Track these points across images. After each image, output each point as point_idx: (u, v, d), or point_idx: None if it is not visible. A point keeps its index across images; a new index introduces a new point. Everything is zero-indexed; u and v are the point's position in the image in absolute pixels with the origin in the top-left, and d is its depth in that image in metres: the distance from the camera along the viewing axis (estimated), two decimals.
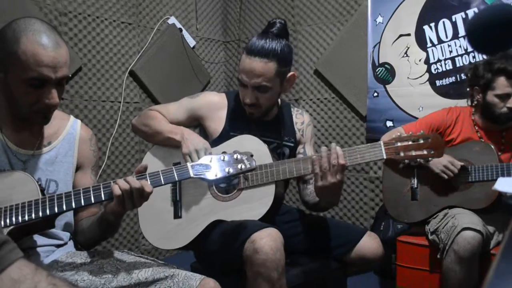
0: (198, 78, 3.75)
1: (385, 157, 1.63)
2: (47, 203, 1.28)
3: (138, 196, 1.33)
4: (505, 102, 2.17)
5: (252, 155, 1.45)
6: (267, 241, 1.54)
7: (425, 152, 1.59)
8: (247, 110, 1.89)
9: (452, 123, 2.33)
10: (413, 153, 1.60)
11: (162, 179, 1.38)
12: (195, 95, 1.99)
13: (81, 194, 1.32)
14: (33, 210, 1.27)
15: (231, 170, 1.43)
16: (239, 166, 1.44)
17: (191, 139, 1.80)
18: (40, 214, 1.27)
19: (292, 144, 1.99)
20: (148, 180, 1.36)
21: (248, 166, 1.44)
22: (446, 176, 2.18)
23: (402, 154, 1.61)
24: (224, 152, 1.45)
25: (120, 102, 3.22)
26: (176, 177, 1.39)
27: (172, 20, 3.57)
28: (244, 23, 3.96)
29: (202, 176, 1.41)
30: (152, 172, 1.38)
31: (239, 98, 1.96)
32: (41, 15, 2.76)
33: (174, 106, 1.98)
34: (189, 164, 1.41)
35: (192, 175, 1.40)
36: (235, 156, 1.44)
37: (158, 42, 3.43)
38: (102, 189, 1.33)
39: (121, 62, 3.23)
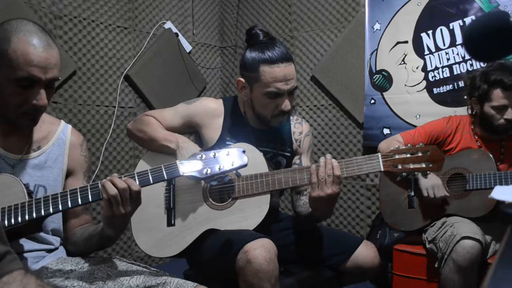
0: (194, 83, 3.73)
1: (382, 169, 1.61)
2: (34, 206, 1.25)
3: (126, 198, 1.29)
4: (502, 114, 2.15)
5: (244, 151, 1.41)
6: (261, 252, 1.51)
7: (423, 165, 1.57)
8: (278, 120, 1.84)
9: (452, 132, 2.32)
10: (411, 166, 1.58)
11: (150, 178, 1.34)
12: (192, 101, 1.96)
13: (68, 196, 1.29)
14: (19, 214, 1.24)
15: (223, 167, 1.38)
16: (230, 162, 1.38)
17: (186, 148, 1.78)
18: (27, 217, 1.24)
19: (289, 154, 1.96)
20: (137, 179, 1.32)
21: (240, 162, 1.39)
22: (426, 194, 2.18)
23: (400, 167, 1.59)
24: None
25: (114, 106, 3.19)
26: (165, 176, 1.35)
27: (168, 24, 3.55)
28: (241, 29, 3.95)
29: (192, 174, 1.36)
30: (140, 171, 1.34)
31: (237, 105, 1.95)
32: (36, 18, 2.73)
33: (170, 112, 1.95)
34: (178, 162, 1.37)
35: (181, 173, 1.35)
36: (226, 152, 1.39)
37: (154, 47, 3.42)
38: (89, 190, 1.30)
39: (116, 67, 3.20)
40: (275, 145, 1.94)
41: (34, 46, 1.27)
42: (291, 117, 2.02)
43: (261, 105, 1.82)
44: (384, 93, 3.13)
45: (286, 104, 1.78)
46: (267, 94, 1.77)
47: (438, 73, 2.92)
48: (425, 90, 2.97)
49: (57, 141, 1.52)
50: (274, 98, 1.77)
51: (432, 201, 2.19)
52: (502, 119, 2.16)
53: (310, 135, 2.04)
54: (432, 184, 2.17)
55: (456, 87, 2.86)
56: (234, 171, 1.44)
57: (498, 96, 2.15)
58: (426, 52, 2.95)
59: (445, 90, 2.90)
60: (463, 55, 2.82)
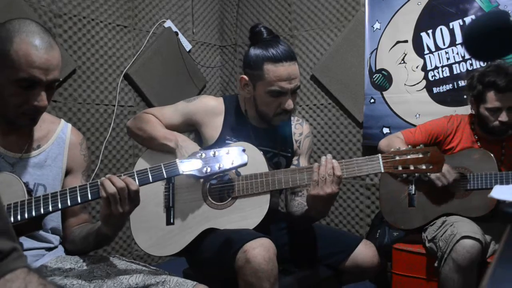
0: (194, 82, 3.73)
1: (382, 171, 1.61)
2: (33, 204, 1.26)
3: (124, 197, 1.29)
4: (496, 116, 2.14)
5: (244, 150, 1.40)
6: (260, 251, 1.51)
7: (423, 166, 1.56)
8: (281, 119, 1.84)
9: (452, 132, 2.31)
10: (412, 167, 1.58)
11: (150, 176, 1.34)
12: (192, 99, 1.96)
13: (68, 194, 1.29)
14: (19, 212, 1.24)
15: (223, 166, 1.37)
16: (230, 161, 1.38)
17: (186, 147, 1.78)
18: (26, 215, 1.24)
19: (289, 155, 1.96)
20: (136, 178, 1.32)
21: (240, 161, 1.38)
22: (440, 184, 2.16)
23: (400, 168, 1.59)
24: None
25: (114, 105, 3.19)
26: (165, 174, 1.35)
27: (168, 23, 3.55)
28: (241, 28, 3.95)
29: (192, 173, 1.36)
30: (140, 170, 1.34)
31: (237, 103, 1.94)
32: (36, 17, 2.73)
33: (169, 110, 1.95)
34: (178, 160, 1.37)
35: (181, 171, 1.35)
36: (226, 151, 1.39)
37: (154, 46, 3.41)
38: (88, 189, 1.30)
39: (116, 65, 3.20)
40: (276, 145, 1.93)
41: (36, 47, 1.27)
42: (292, 118, 2.01)
43: (264, 103, 1.81)
44: (384, 93, 3.13)
45: (289, 103, 1.78)
46: (271, 93, 1.77)
47: (438, 73, 2.92)
48: (425, 89, 2.97)
49: (57, 140, 1.52)
50: (278, 96, 1.77)
51: (451, 188, 2.17)
52: (496, 121, 2.15)
53: (310, 137, 2.03)
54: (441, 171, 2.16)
55: (456, 87, 2.85)
56: (234, 170, 1.44)
57: (491, 98, 2.14)
58: (426, 51, 2.95)
59: (444, 90, 2.90)
60: (463, 55, 2.82)
